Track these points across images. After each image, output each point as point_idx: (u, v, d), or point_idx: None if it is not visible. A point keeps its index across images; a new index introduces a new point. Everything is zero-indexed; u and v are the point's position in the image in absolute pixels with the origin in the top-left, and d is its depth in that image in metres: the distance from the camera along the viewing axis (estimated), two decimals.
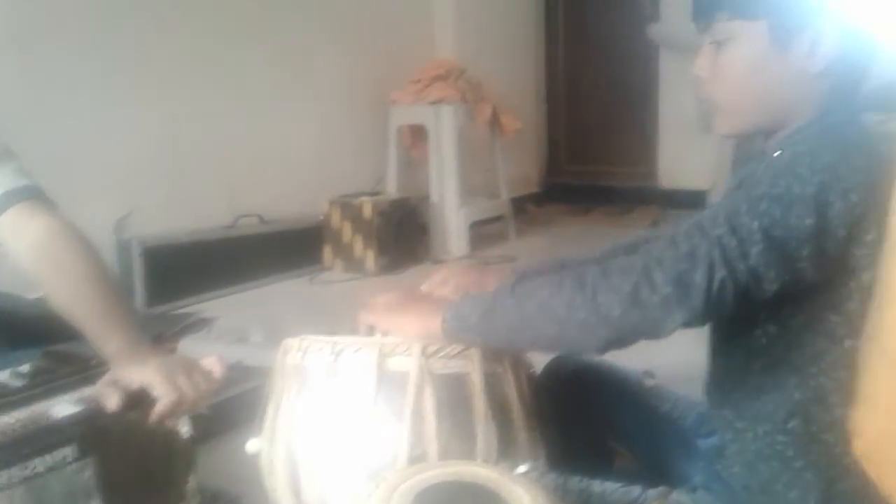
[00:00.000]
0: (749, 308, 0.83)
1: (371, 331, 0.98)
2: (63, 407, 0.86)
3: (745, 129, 0.95)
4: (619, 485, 0.97)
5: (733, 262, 0.77)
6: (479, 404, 0.89)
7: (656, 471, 1.18)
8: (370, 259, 3.20)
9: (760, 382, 0.89)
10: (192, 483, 0.95)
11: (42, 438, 0.79)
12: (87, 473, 0.80)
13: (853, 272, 0.81)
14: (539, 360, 1.17)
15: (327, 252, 3.30)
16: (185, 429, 0.93)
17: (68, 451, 0.79)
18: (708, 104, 0.94)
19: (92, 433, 0.82)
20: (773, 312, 0.86)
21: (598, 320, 0.80)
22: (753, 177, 0.85)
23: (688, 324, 0.79)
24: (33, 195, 1.10)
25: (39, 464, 0.76)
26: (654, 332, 0.80)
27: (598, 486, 0.96)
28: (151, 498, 0.91)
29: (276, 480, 0.93)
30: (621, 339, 0.82)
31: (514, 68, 4.67)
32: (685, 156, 4.31)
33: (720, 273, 0.76)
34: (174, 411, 0.88)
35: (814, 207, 0.76)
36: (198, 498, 0.96)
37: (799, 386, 0.86)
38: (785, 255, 0.77)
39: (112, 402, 0.85)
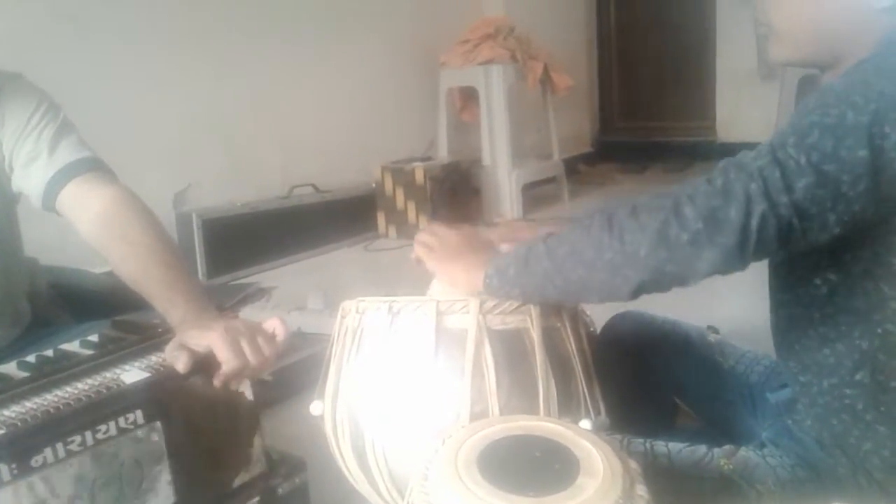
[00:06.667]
0: (806, 256, 0.79)
1: (419, 263, 0.99)
2: (133, 373, 0.88)
3: (799, 59, 0.90)
4: (684, 444, 0.95)
5: (775, 195, 0.71)
6: (539, 359, 0.88)
7: (720, 427, 1.16)
8: (423, 224, 3.20)
9: (823, 333, 0.86)
10: (257, 446, 0.96)
11: (111, 403, 0.81)
12: (155, 437, 0.81)
13: None
14: (599, 318, 1.15)
15: (381, 219, 3.32)
16: (248, 392, 0.94)
17: (136, 416, 0.80)
18: (765, 29, 0.90)
19: (158, 398, 0.83)
20: (833, 260, 0.82)
21: (624, 260, 0.76)
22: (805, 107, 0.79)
23: (723, 265, 0.74)
24: (95, 166, 1.12)
25: (108, 428, 0.78)
26: (685, 272, 0.75)
27: (663, 446, 0.94)
28: (218, 461, 0.92)
29: (340, 441, 0.94)
30: (652, 282, 0.77)
31: (563, 22, 4.56)
32: (745, 107, 4.16)
33: (760, 207, 0.71)
34: (237, 375, 0.90)
35: (867, 138, 0.70)
36: (263, 461, 0.97)
37: (864, 335, 0.82)
38: (837, 192, 0.71)
39: (181, 364, 0.87)
